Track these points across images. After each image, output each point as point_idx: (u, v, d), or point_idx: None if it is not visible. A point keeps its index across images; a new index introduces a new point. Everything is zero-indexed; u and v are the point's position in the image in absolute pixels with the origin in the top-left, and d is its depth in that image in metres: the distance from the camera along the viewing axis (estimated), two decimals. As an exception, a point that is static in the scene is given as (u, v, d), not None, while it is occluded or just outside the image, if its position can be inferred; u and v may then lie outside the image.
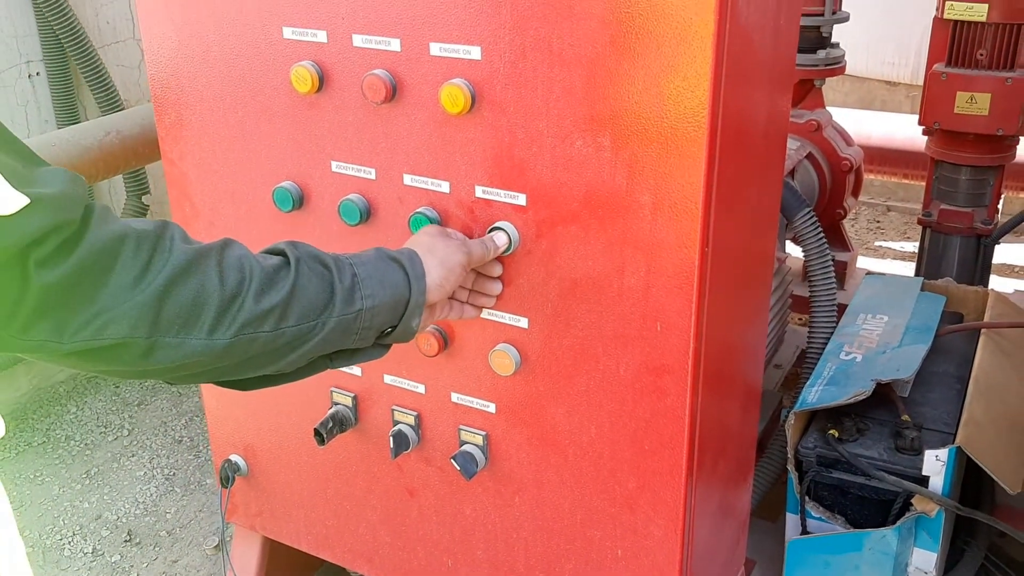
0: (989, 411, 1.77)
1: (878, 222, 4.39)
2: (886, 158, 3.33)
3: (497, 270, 1.32)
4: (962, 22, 2.44)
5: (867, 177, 3.60)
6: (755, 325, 1.58)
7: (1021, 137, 2.54)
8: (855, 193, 3.17)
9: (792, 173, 2.93)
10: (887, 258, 4.09)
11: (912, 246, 4.08)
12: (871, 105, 4.36)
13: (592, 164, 1.23)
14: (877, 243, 4.22)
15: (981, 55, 2.45)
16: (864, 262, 4.01)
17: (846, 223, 4.49)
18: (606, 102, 1.20)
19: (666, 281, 1.25)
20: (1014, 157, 2.60)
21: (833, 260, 3.14)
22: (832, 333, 2.11)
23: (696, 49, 1.12)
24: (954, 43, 2.47)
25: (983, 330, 2.06)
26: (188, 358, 0.93)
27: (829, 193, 3.05)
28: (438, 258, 1.18)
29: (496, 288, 1.33)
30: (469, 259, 1.23)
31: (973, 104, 2.46)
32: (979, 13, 2.41)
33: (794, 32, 1.40)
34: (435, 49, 1.24)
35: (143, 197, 3.55)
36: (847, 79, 4.68)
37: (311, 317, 1.03)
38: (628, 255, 1.26)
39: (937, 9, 2.50)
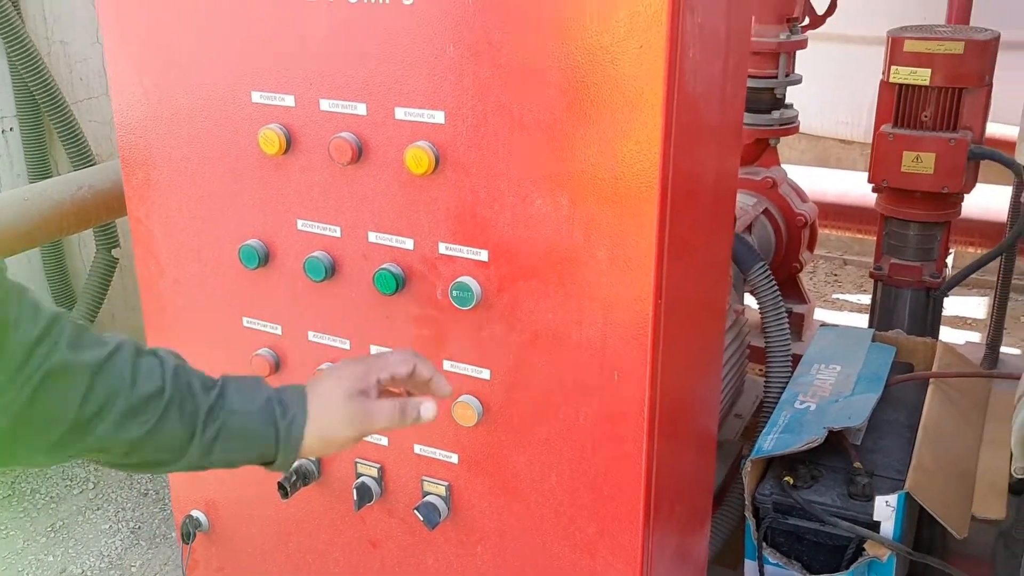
0: (937, 458, 1.83)
1: (835, 275, 4.51)
2: (840, 214, 3.44)
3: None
4: (907, 86, 2.56)
5: (824, 232, 3.72)
6: (709, 374, 1.64)
7: (965, 194, 2.66)
8: (810, 247, 3.27)
9: (749, 228, 3.03)
10: (844, 310, 4.20)
11: (868, 298, 4.19)
12: (827, 162, 4.50)
13: (551, 222, 1.29)
14: (835, 295, 4.32)
15: (925, 117, 2.57)
16: (822, 314, 4.10)
17: (805, 276, 4.61)
18: (564, 164, 1.26)
19: (622, 332, 1.31)
20: (959, 213, 2.71)
21: (790, 312, 3.23)
22: (787, 383, 2.18)
23: (647, 116, 1.20)
24: (900, 105, 2.59)
25: (931, 380, 2.14)
26: (34, 464, 0.94)
27: (785, 247, 3.15)
28: (323, 425, 1.10)
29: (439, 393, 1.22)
30: (366, 430, 1.14)
31: (919, 163, 2.57)
32: (922, 77, 2.53)
33: (740, 98, 1.48)
34: (400, 113, 1.31)
35: (113, 250, 3.57)
36: (804, 137, 4.84)
37: (160, 456, 1.01)
38: (586, 308, 1.32)
39: (883, 73, 2.63)
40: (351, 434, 1.13)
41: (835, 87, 4.23)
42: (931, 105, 2.55)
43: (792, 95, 3.26)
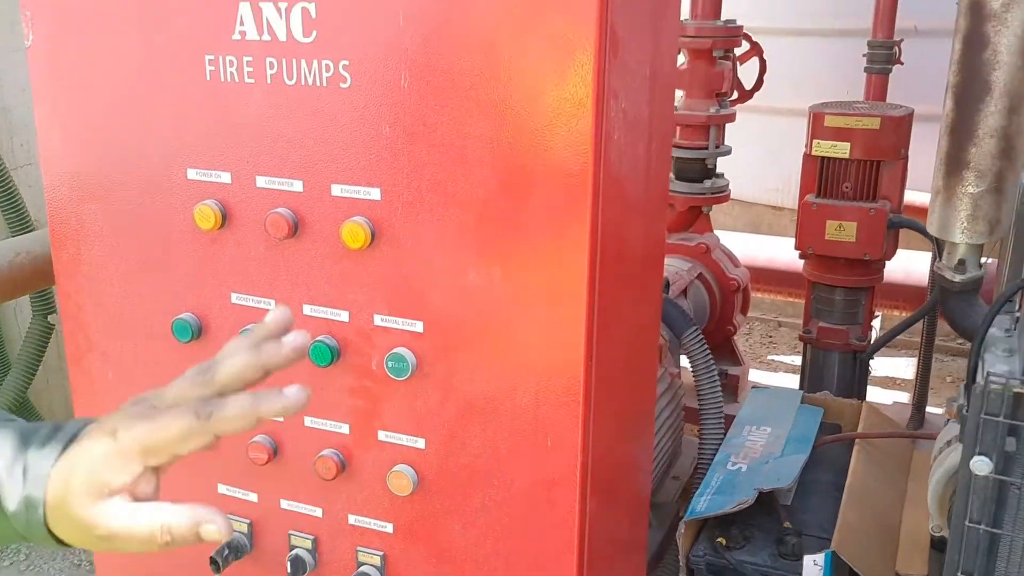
0: (862, 517, 1.89)
1: (771, 336, 4.62)
2: (771, 278, 3.55)
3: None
4: (828, 158, 2.69)
5: (759, 295, 3.84)
6: (642, 437, 1.68)
7: (887, 261, 2.78)
8: (743, 311, 3.37)
9: (685, 292, 3.11)
10: (779, 371, 4.30)
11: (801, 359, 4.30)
12: (759, 228, 4.65)
13: (484, 293, 1.34)
14: (770, 357, 4.43)
15: (846, 187, 2.69)
16: (758, 375, 4.20)
17: (741, 338, 4.72)
18: (496, 238, 1.31)
19: (555, 399, 1.34)
20: (882, 279, 2.82)
21: (726, 374, 3.31)
22: (720, 444, 2.23)
23: (576, 194, 1.25)
24: (822, 176, 2.71)
25: (857, 440, 2.21)
26: None
27: (720, 311, 3.24)
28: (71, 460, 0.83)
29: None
30: (152, 445, 0.82)
31: (841, 232, 2.69)
32: (842, 151, 2.66)
33: (664, 174, 1.56)
34: (337, 190, 1.35)
35: (49, 316, 3.52)
36: (737, 204, 5.00)
37: None
38: (519, 376, 1.35)
39: (806, 146, 2.75)
40: (122, 455, 0.81)
41: (765, 156, 4.39)
42: (851, 177, 2.67)
43: (726, 164, 3.39)
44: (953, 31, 1.81)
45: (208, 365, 0.87)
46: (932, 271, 2.70)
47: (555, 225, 1.27)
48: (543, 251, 1.29)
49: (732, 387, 3.26)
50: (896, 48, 2.97)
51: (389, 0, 1.25)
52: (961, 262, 1.88)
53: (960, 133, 1.79)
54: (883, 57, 2.96)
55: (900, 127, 2.60)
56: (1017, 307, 1.63)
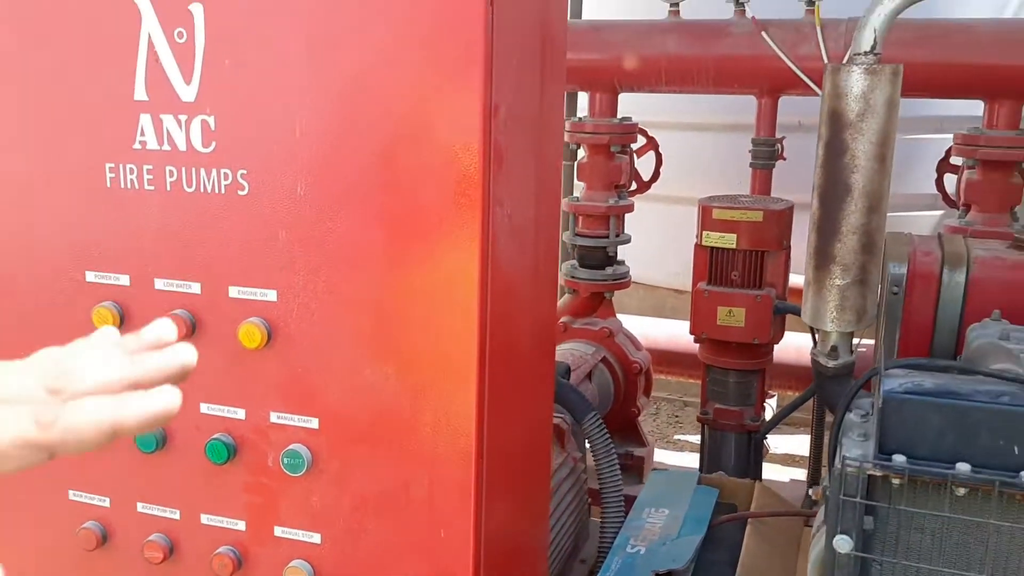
0: (754, 595, 1.97)
1: (677, 416, 4.74)
2: (672, 360, 3.67)
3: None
4: (717, 248, 2.85)
5: (662, 376, 3.95)
6: (537, 523, 1.73)
7: (775, 344, 2.92)
8: (646, 392, 3.48)
9: (589, 375, 3.21)
10: (685, 450, 4.40)
11: (707, 439, 4.41)
12: (663, 312, 4.79)
13: (378, 390, 1.39)
14: (676, 436, 4.53)
15: (735, 275, 2.84)
16: (665, 455, 4.30)
17: (649, 418, 4.83)
18: (390, 338, 1.37)
19: (448, 491, 1.39)
20: (771, 361, 2.97)
21: (631, 455, 3.39)
22: (621, 526, 2.30)
23: (464, 294, 1.33)
24: (712, 265, 2.86)
25: (750, 519, 2.30)
26: None
27: (623, 393, 3.34)
28: None
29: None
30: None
31: (731, 317, 2.83)
32: (729, 241, 2.82)
33: (552, 271, 1.65)
34: (234, 292, 1.40)
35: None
36: (642, 288, 5.15)
37: None
38: (413, 470, 1.40)
39: (697, 236, 2.91)
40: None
41: (666, 242, 4.57)
42: (738, 265, 2.83)
43: (632, 249, 3.53)
44: (817, 138, 1.98)
45: (68, 361, 0.69)
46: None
47: (446, 323, 1.34)
48: (434, 348, 1.35)
49: (637, 468, 3.34)
50: (779, 145, 3.17)
51: (286, 114, 1.33)
52: (834, 348, 2.01)
53: (826, 230, 1.94)
54: (766, 154, 3.15)
55: (781, 220, 2.77)
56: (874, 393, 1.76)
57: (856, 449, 1.34)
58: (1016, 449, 1.26)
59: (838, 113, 1.89)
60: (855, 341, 2.04)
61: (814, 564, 1.69)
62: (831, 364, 2.00)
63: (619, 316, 3.61)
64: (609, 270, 3.42)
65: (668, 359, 3.72)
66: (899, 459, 1.30)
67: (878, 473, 1.31)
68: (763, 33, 2.94)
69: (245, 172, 1.36)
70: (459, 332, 1.34)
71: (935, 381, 1.35)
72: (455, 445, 1.38)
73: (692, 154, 4.55)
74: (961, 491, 1.29)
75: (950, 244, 2.15)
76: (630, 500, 2.43)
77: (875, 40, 1.88)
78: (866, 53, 1.87)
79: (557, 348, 3.26)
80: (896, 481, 1.31)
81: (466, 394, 1.36)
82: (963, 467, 1.27)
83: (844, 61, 1.90)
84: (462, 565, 1.41)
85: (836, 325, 1.97)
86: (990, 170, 2.90)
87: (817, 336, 2.08)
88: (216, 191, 1.37)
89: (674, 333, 3.86)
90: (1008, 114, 2.88)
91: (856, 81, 1.85)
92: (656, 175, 3.59)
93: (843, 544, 1.33)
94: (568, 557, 2.53)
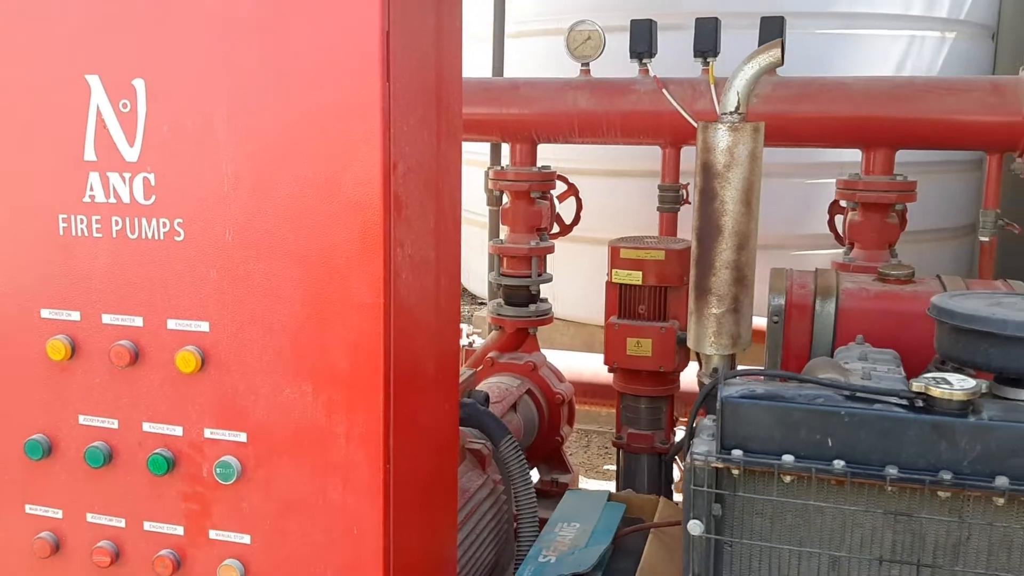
0: (648, 594, 2.19)
1: (607, 448, 4.97)
2: (594, 392, 3.92)
3: None
4: (625, 285, 3.12)
5: (587, 407, 4.19)
6: (444, 530, 1.94)
7: (681, 372, 3.19)
8: (570, 422, 3.71)
9: (515, 406, 3.44)
10: (614, 480, 4.63)
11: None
12: (592, 346, 5.05)
13: (298, 407, 1.61)
14: (606, 467, 4.76)
15: (642, 309, 3.12)
16: (594, 485, 4.52)
17: (579, 449, 5.05)
18: (308, 360, 1.59)
19: (359, 495, 1.61)
20: (679, 388, 3.23)
21: (556, 482, 3.61)
22: (535, 542, 2.52)
23: (371, 322, 1.56)
24: (621, 300, 3.13)
25: (652, 530, 2.54)
26: None
27: (548, 423, 3.57)
28: None
29: None
30: None
31: (640, 348, 3.09)
32: (636, 278, 3.10)
33: (454, 302, 1.88)
34: (172, 324, 1.61)
35: None
36: (572, 324, 5.43)
37: None
38: (329, 476, 1.62)
39: (608, 274, 3.18)
40: None
41: (592, 280, 4.85)
42: (645, 300, 3.10)
43: (562, 288, 3.79)
44: (692, 185, 2.26)
45: None
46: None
47: (355, 347, 1.57)
48: (345, 368, 1.58)
49: (562, 493, 3.56)
50: (683, 190, 3.47)
51: (216, 171, 1.56)
52: (715, 370, 2.27)
53: (703, 265, 2.21)
54: (671, 198, 3.45)
55: (681, 258, 3.05)
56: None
57: (704, 446, 1.59)
58: (830, 441, 1.52)
59: (709, 164, 2.18)
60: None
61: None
62: (712, 384, 2.26)
63: (549, 351, 3.86)
64: (532, 307, 3.68)
65: (591, 391, 3.96)
66: (737, 453, 1.55)
67: (720, 465, 1.56)
68: (664, 90, 3.25)
69: (181, 221, 1.59)
70: (366, 354, 1.56)
71: (765, 388, 1.61)
72: (365, 454, 1.60)
73: (616, 199, 4.86)
74: (788, 479, 1.54)
75: (822, 278, 2.44)
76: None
77: (738, 101, 2.17)
78: (731, 112, 2.16)
79: (484, 381, 3.50)
80: (735, 472, 1.56)
81: (374, 408, 1.59)
82: (788, 458, 1.53)
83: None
84: (373, 558, 1.62)
85: (714, 349, 2.24)
86: (869, 212, 3.23)
87: (701, 360, 2.34)
88: (156, 237, 1.60)
89: (597, 366, 4.12)
90: (883, 161, 3.23)
91: (722, 137, 2.14)
92: (577, 219, 3.88)
93: (695, 528, 1.58)
94: (490, 573, 2.73)
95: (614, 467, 4.81)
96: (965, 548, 1.50)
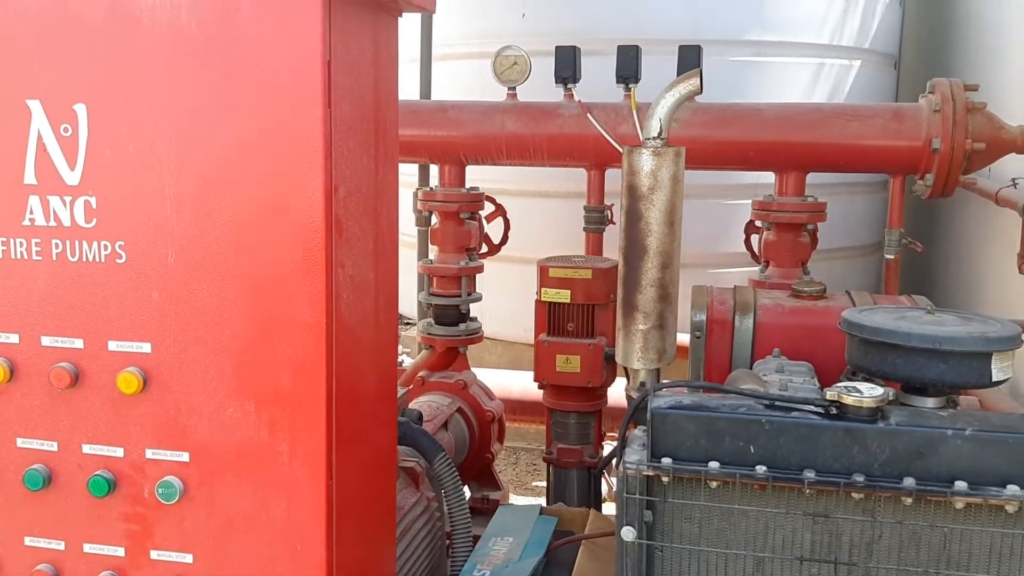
0: (580, 602, 2.26)
1: (535, 464, 5.04)
2: (524, 409, 3.99)
3: None
4: (554, 303, 3.20)
5: (517, 425, 4.26)
6: (383, 544, 1.98)
7: (608, 387, 3.28)
8: (500, 439, 3.77)
9: (446, 424, 3.48)
10: (542, 495, 4.70)
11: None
12: (521, 365, 5.12)
13: (241, 426, 1.64)
14: (534, 483, 4.83)
15: (571, 327, 3.20)
16: (523, 501, 4.58)
17: (509, 466, 5.11)
18: (251, 379, 1.62)
19: (303, 510, 1.64)
20: (606, 403, 3.32)
21: (486, 498, 3.66)
22: (470, 555, 2.56)
23: (312, 340, 1.60)
24: (551, 318, 3.21)
25: (583, 541, 2.61)
26: None
27: (478, 440, 3.63)
28: None
29: None
30: None
31: (568, 364, 3.17)
32: (565, 296, 3.18)
33: (392, 320, 1.93)
34: (113, 345, 1.63)
35: None
36: (500, 343, 5.49)
37: None
38: (272, 493, 1.65)
39: (537, 293, 3.26)
40: None
41: (520, 300, 4.93)
42: (574, 318, 3.19)
43: (491, 308, 3.84)
44: (618, 207, 2.36)
45: None
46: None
47: (298, 366, 1.61)
48: (289, 387, 1.61)
49: (492, 510, 3.61)
50: (608, 211, 3.58)
51: (158, 195, 1.59)
52: (642, 384, 2.37)
53: (629, 283, 2.31)
54: (596, 219, 3.56)
55: (608, 277, 3.15)
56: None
57: (635, 456, 1.67)
58: (752, 448, 1.62)
59: (633, 187, 2.28)
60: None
61: None
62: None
63: (479, 369, 3.91)
64: (462, 326, 3.73)
65: (521, 408, 4.03)
66: (666, 461, 1.63)
67: (651, 473, 1.64)
68: (588, 115, 3.36)
69: (123, 243, 1.61)
70: (309, 373, 1.60)
71: (692, 399, 1.70)
72: (308, 470, 1.63)
73: (542, 219, 4.96)
74: (714, 484, 1.63)
75: (741, 294, 2.56)
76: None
77: (661, 127, 2.28)
78: (654, 138, 2.27)
79: (415, 400, 3.54)
80: (665, 479, 1.64)
81: (317, 426, 1.62)
82: (714, 465, 1.61)
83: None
84: (317, 573, 1.65)
85: (642, 363, 2.33)
86: (782, 231, 3.39)
87: (628, 374, 2.43)
88: (97, 260, 1.61)
89: (526, 384, 4.19)
90: (794, 183, 3.39)
91: (646, 161, 2.24)
92: (505, 238, 3.95)
93: (628, 534, 1.65)
94: (425, 587, 2.76)
95: (543, 483, 4.88)
96: (878, 546, 1.61)
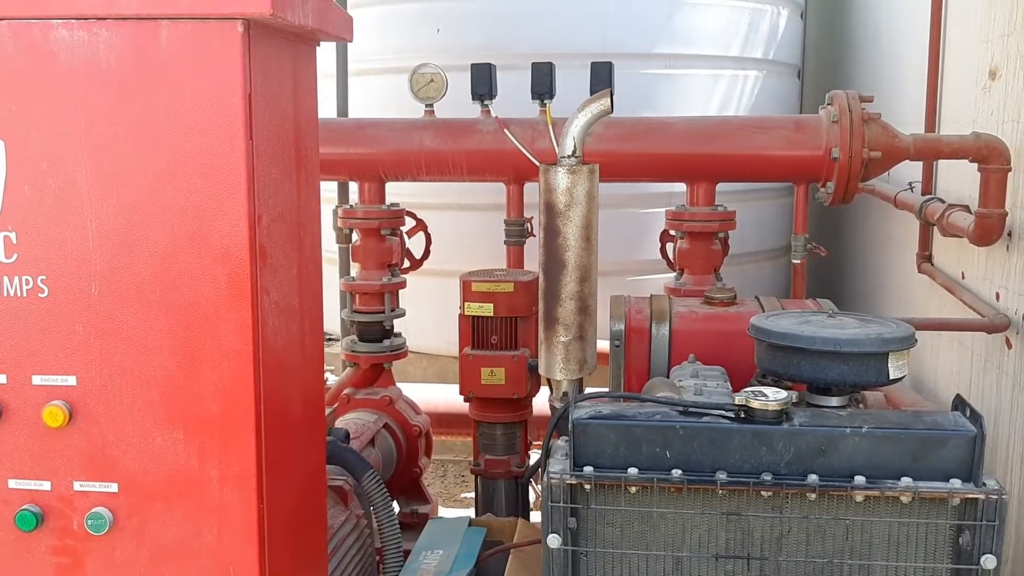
0: (511, 609, 2.33)
1: (463, 476, 5.09)
2: (451, 422, 4.03)
3: None
4: (478, 316, 3.26)
5: (444, 438, 4.30)
6: (315, 565, 2.01)
7: (533, 397, 3.36)
8: (428, 453, 3.81)
9: (372, 441, 3.50)
10: (471, 507, 4.75)
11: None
12: (446, 378, 5.17)
13: (170, 454, 1.65)
14: (463, 495, 4.88)
15: (494, 340, 3.27)
16: (452, 513, 4.62)
17: (436, 479, 5.15)
18: (179, 407, 1.64)
19: (235, 535, 1.67)
20: (531, 413, 3.40)
21: (416, 512, 3.69)
22: (400, 570, 2.60)
23: (240, 367, 1.63)
24: (475, 332, 3.27)
25: (512, 550, 2.68)
26: None
27: (406, 455, 3.66)
28: None
29: None
30: None
31: (493, 376, 3.24)
32: (488, 310, 3.25)
33: (318, 345, 1.97)
34: (37, 380, 1.62)
35: None
36: (425, 357, 5.52)
37: None
38: (204, 519, 1.66)
39: (460, 307, 3.31)
40: None
41: (443, 313, 4.98)
42: (497, 331, 3.26)
43: (414, 322, 3.87)
44: (538, 221, 2.43)
45: None
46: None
47: (227, 392, 1.63)
48: (217, 413, 1.64)
49: (422, 525, 3.65)
50: (528, 224, 3.66)
51: (80, 228, 1.59)
52: (565, 394, 2.44)
53: (549, 297, 2.38)
54: (517, 232, 3.63)
55: (529, 289, 3.23)
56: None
57: (558, 465, 1.74)
58: (668, 453, 1.70)
59: (551, 204, 2.35)
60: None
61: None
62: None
63: (404, 384, 3.95)
64: (387, 342, 3.76)
65: (448, 421, 4.08)
66: (588, 470, 1.71)
67: (574, 482, 1.71)
68: (505, 130, 3.43)
69: (45, 278, 1.61)
70: (237, 399, 1.63)
71: (611, 408, 1.78)
72: (239, 495, 1.66)
73: (463, 232, 5.01)
74: (633, 490, 1.71)
75: (657, 303, 2.66)
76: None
77: (575, 145, 2.36)
78: (568, 156, 2.35)
79: (341, 418, 3.55)
80: (587, 487, 1.71)
81: (246, 451, 1.65)
82: (632, 471, 1.70)
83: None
84: (251, 597, 1.68)
85: (564, 374, 2.40)
86: (695, 240, 3.52)
87: (552, 385, 2.51)
88: (19, 295, 1.61)
89: (452, 397, 4.24)
90: (705, 193, 3.52)
91: (562, 179, 2.32)
92: (427, 253, 3.99)
93: (554, 541, 1.72)
94: (359, 604, 2.79)
95: (471, 495, 4.93)
96: (787, 540, 1.71)
